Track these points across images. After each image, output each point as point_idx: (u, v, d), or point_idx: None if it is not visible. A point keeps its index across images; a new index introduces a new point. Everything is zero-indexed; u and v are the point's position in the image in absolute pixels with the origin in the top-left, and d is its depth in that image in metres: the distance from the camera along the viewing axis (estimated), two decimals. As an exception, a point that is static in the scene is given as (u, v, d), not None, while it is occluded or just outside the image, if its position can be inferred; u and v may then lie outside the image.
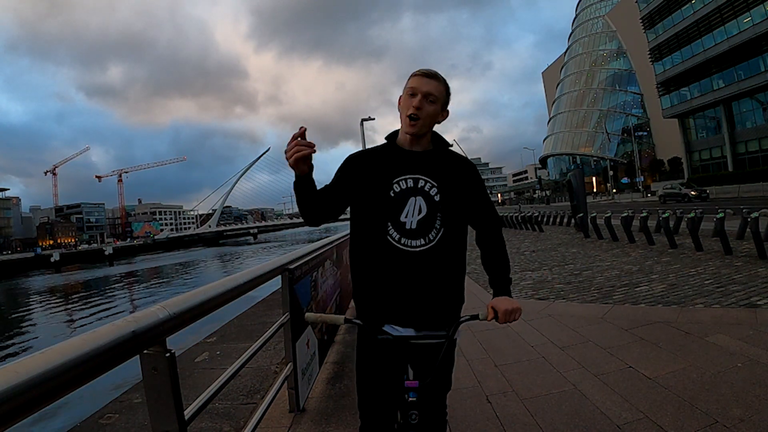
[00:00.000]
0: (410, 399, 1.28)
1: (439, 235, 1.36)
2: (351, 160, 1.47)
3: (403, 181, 1.38)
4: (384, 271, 1.36)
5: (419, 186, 1.38)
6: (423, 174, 1.39)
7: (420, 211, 1.36)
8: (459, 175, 1.43)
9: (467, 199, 1.43)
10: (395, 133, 1.47)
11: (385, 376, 1.38)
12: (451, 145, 1.49)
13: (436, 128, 1.46)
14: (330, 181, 1.48)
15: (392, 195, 1.37)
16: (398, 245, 1.34)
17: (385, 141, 1.49)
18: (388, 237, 1.35)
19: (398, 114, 1.43)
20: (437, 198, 1.37)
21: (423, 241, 1.35)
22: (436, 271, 1.36)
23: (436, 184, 1.38)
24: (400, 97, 1.43)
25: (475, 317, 1.38)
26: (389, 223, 1.35)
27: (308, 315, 1.46)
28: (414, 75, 1.38)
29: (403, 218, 1.35)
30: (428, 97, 1.36)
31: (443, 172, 1.40)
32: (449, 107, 1.45)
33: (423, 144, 1.43)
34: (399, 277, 1.35)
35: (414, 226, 1.35)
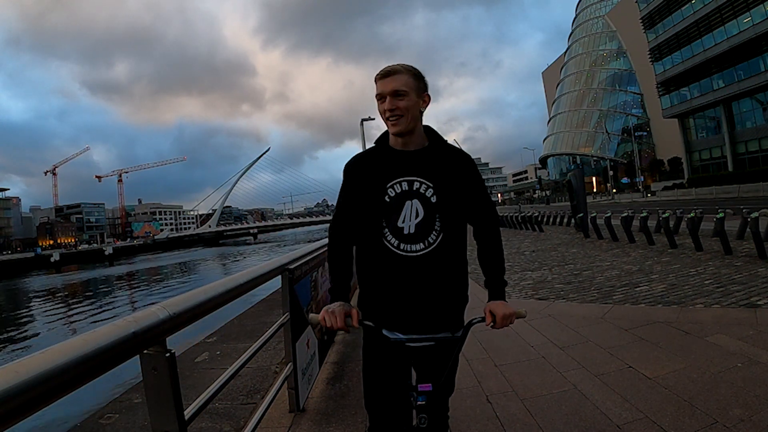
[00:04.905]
0: (419, 403, 1.26)
1: (439, 237, 1.34)
2: (348, 169, 1.45)
3: (398, 185, 1.35)
4: (385, 278, 1.35)
5: (414, 188, 1.35)
6: (417, 175, 1.35)
7: (417, 215, 1.33)
8: (455, 172, 1.38)
9: (465, 197, 1.39)
10: (385, 134, 1.44)
11: (391, 378, 1.37)
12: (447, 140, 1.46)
13: (429, 118, 1.44)
14: (339, 189, 1.47)
15: (387, 200, 1.34)
16: (397, 251, 1.33)
17: (374, 144, 1.46)
18: (386, 243, 1.33)
19: None
20: (434, 200, 1.34)
21: (422, 245, 1.33)
22: (437, 275, 1.34)
23: (431, 185, 1.35)
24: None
25: (484, 319, 1.37)
26: (386, 230, 1.34)
27: (312, 316, 1.45)
28: (377, 80, 1.37)
29: (401, 223, 1.33)
30: (396, 94, 1.33)
31: (439, 171, 1.36)
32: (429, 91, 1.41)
33: (416, 141, 1.40)
34: (400, 284, 1.33)
35: (412, 230, 1.33)
